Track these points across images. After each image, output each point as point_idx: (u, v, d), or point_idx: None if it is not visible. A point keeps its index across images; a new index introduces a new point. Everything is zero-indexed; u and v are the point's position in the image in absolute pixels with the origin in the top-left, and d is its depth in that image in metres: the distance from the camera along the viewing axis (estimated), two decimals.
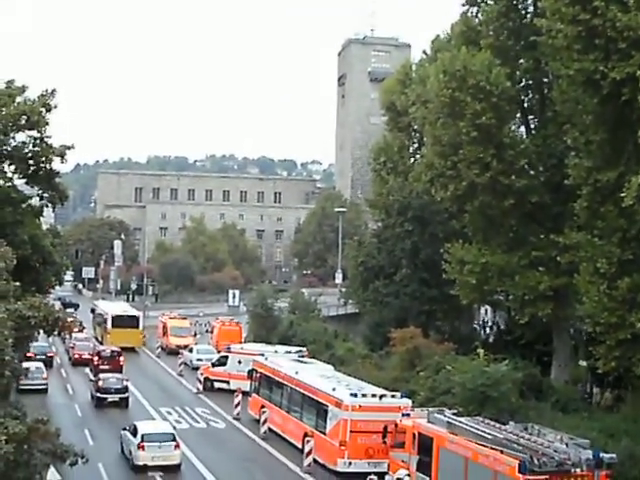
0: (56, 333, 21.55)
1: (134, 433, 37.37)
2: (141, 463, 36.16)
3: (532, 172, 48.67)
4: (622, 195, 36.86)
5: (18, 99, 37.17)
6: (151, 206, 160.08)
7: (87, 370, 58.11)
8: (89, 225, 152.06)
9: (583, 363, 48.62)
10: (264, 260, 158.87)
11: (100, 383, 50.31)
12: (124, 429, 39.20)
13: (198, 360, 63.26)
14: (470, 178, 47.30)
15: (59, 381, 59.04)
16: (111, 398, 49.84)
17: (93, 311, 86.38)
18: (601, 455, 26.78)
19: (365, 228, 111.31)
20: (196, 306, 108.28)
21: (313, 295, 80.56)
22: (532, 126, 51.16)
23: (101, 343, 72.80)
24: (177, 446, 36.90)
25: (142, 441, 36.33)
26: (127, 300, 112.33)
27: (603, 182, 38.82)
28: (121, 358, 58.81)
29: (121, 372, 55.09)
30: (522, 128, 51.65)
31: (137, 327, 75.01)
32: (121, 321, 74.41)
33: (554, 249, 45.29)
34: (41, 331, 20.84)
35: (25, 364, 42.96)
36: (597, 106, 38.53)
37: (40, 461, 18.21)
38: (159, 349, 73.38)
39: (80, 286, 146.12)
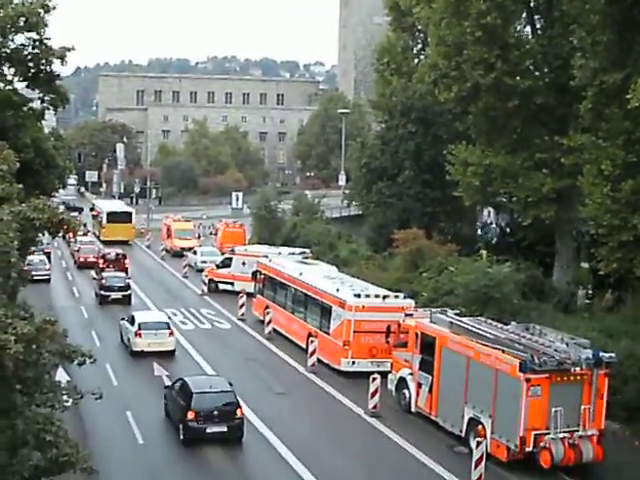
0: (60, 235, 21.58)
1: (132, 322, 40.59)
2: (138, 349, 39.47)
3: (537, 73, 48.11)
4: (628, 97, 36.49)
5: (15, 0, 36.58)
6: (153, 109, 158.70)
7: (92, 273, 58.55)
8: (91, 129, 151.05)
9: (585, 265, 48.87)
10: (267, 162, 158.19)
11: (103, 281, 52.46)
12: (122, 319, 42.47)
13: (202, 262, 63.68)
14: (474, 79, 46.81)
15: (65, 284, 59.59)
16: (114, 295, 51.51)
17: (92, 209, 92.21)
18: (600, 354, 27.07)
19: (368, 130, 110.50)
20: (199, 209, 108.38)
21: (316, 197, 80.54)
22: (538, 26, 50.21)
23: (98, 238, 79.91)
24: (171, 333, 40.32)
25: (139, 329, 39.64)
26: (131, 203, 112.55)
27: (609, 83, 38.42)
28: (126, 261, 59.39)
29: (127, 274, 55.52)
30: (528, 28, 50.72)
31: (130, 222, 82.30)
32: (115, 217, 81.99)
33: (558, 151, 45.09)
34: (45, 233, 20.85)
35: (30, 257, 46.34)
36: (604, 6, 37.92)
37: (49, 361, 18.49)
38: (163, 252, 73.79)
39: (83, 190, 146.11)
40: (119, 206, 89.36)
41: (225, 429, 28.45)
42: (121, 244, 73.54)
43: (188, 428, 28.32)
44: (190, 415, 28.23)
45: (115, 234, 78.84)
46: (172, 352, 39.80)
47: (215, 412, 28.51)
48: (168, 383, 32.91)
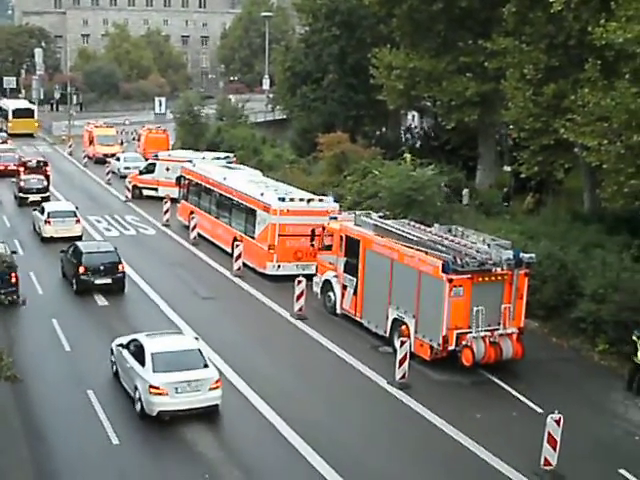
0: None
1: (42, 212, 43.86)
2: (48, 235, 42.96)
3: None
4: (551, 1, 36.67)
5: None
6: (72, 12, 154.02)
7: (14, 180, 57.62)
8: (7, 33, 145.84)
9: (507, 168, 49.41)
10: (190, 67, 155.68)
11: (22, 184, 53.39)
12: (34, 210, 45.50)
13: (126, 168, 62.87)
14: None
15: None
16: (32, 197, 51.84)
17: (0, 108, 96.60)
18: (521, 255, 27.56)
19: (292, 33, 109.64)
20: (122, 114, 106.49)
21: (240, 101, 79.73)
22: None
23: (6, 132, 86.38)
24: (78, 221, 43.60)
25: (49, 217, 43.11)
26: (51, 110, 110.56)
27: None
28: (47, 168, 58.47)
29: (48, 182, 54.82)
30: None
31: (32, 117, 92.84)
32: (19, 113, 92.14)
33: (482, 55, 45.14)
34: None
35: None
36: None
37: None
38: (86, 159, 72.52)
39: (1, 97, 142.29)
40: (23, 104, 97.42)
41: (110, 281, 34.48)
42: (26, 137, 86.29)
43: (80, 281, 34.20)
44: (81, 270, 34.08)
45: (20, 128, 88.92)
46: (79, 238, 41.72)
47: (101, 267, 34.37)
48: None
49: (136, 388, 23.28)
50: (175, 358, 23.29)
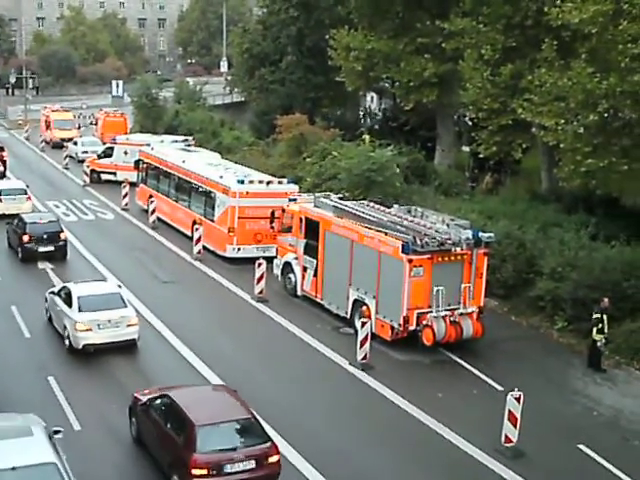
0: None
1: None
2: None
3: None
4: None
5: None
6: None
7: None
8: None
9: (466, 149, 49.67)
10: (147, 50, 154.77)
11: None
12: None
13: (84, 153, 62.39)
14: None
15: None
16: None
17: None
18: (480, 235, 27.73)
19: (250, 15, 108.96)
20: (79, 98, 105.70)
21: (198, 84, 79.33)
22: None
23: None
24: (28, 198, 44.45)
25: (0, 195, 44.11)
26: (7, 94, 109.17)
27: None
28: (4, 153, 57.92)
29: (5, 168, 54.33)
30: None
31: None
32: None
33: (440, 36, 45.25)
34: None
35: None
36: None
37: None
38: (43, 143, 71.77)
39: None
40: None
41: (52, 248, 36.52)
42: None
43: (25, 249, 36.38)
44: (25, 238, 36.23)
45: None
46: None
47: (44, 236, 36.41)
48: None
49: (65, 327, 26.77)
50: (98, 300, 26.84)
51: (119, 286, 29.29)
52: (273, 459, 18.28)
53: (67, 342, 26.62)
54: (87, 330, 25.99)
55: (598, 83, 30.50)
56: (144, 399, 20.55)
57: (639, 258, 29.60)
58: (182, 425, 18.33)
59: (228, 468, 17.65)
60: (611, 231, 32.62)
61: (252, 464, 17.88)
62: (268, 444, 18.34)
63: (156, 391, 20.75)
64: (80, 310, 26.35)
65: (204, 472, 17.50)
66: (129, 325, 26.57)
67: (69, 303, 26.83)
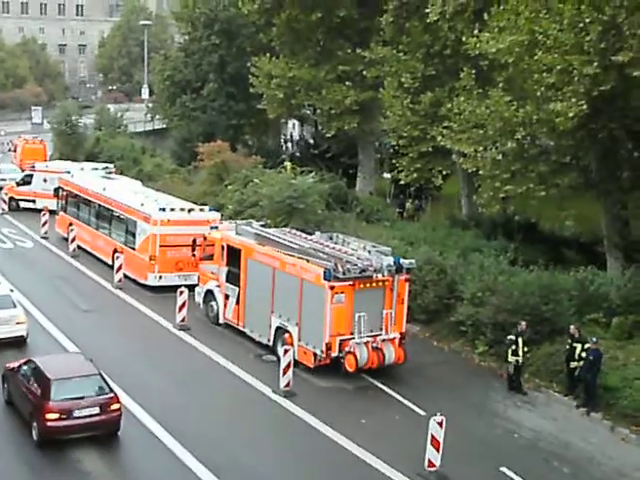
0: None
1: None
2: None
3: None
4: (427, 11, 37.44)
5: None
6: None
7: None
8: None
9: (387, 175, 50.10)
10: (67, 76, 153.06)
11: None
12: None
13: (2, 180, 61.33)
14: None
15: None
16: None
17: None
18: (401, 261, 27.99)
19: (172, 42, 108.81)
20: None
21: (119, 111, 78.76)
22: None
23: None
24: None
25: None
26: None
27: None
28: None
29: None
30: None
31: None
32: None
33: (360, 64, 45.79)
34: None
35: None
36: None
37: None
38: None
39: None
40: None
41: None
42: None
43: None
44: None
45: None
46: None
47: None
48: None
49: None
50: None
51: (11, 290, 31.52)
52: (114, 407, 22.13)
53: None
54: None
55: (515, 111, 31.10)
56: (13, 366, 24.30)
57: (557, 282, 30.12)
58: (41, 381, 22.07)
59: (76, 413, 21.47)
60: (530, 256, 33.21)
61: (97, 410, 21.70)
62: (110, 395, 22.21)
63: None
64: None
65: (56, 416, 21.33)
66: (18, 323, 29.08)
67: None
